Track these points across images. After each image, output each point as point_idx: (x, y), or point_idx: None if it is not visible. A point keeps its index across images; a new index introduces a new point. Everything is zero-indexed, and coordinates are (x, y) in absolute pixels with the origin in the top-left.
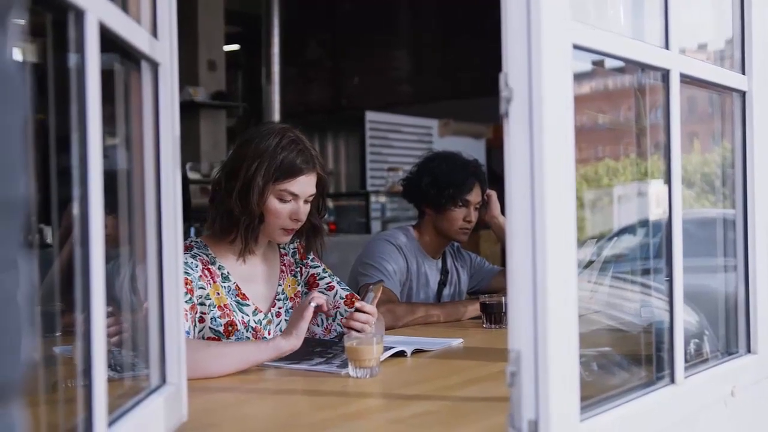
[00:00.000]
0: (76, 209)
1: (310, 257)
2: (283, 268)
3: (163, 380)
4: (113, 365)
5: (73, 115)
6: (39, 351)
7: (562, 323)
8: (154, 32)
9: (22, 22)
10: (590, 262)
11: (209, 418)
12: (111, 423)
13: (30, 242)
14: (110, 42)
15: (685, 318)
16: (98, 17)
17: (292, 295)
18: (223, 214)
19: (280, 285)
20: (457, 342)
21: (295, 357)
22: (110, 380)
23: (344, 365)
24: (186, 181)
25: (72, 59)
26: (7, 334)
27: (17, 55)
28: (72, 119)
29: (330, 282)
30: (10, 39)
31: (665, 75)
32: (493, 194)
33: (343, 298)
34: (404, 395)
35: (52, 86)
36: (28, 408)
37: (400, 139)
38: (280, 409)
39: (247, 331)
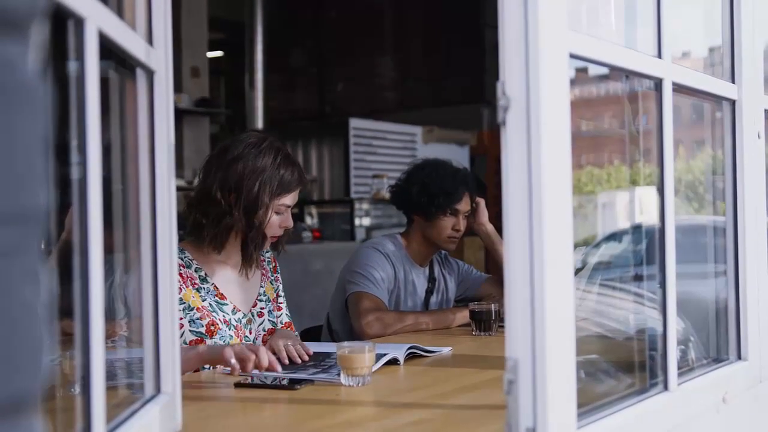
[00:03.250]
0: (75, 218)
1: (278, 271)
2: (264, 271)
3: (158, 390)
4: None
5: (73, 123)
6: None
7: (560, 331)
8: (150, 40)
9: (43, 31)
10: (577, 270)
11: (203, 427)
12: None
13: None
14: (106, 49)
15: None
16: (98, 25)
17: (273, 298)
18: (223, 229)
19: (262, 287)
20: (447, 350)
21: (290, 368)
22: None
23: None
24: None
25: (71, 66)
26: (28, 345)
27: (38, 64)
28: (71, 126)
29: (281, 303)
30: (31, 50)
31: (658, 84)
32: (482, 202)
33: (282, 324)
34: (398, 403)
35: (49, 93)
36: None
37: (384, 146)
38: (274, 419)
39: (229, 329)
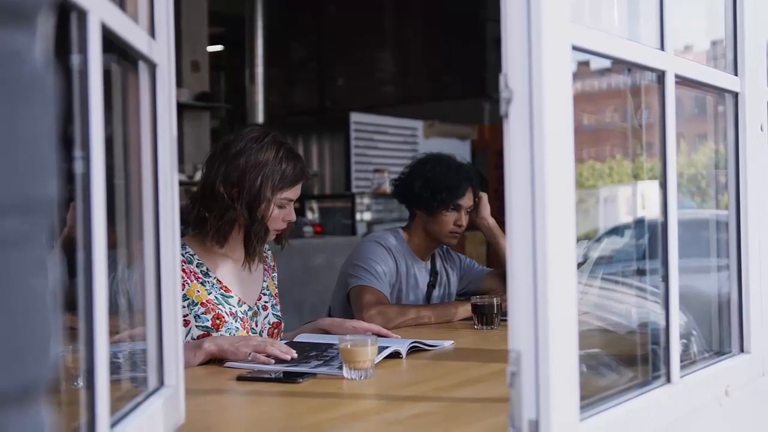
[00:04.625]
0: (78, 212)
1: (276, 270)
2: (266, 267)
3: (161, 382)
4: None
5: (76, 116)
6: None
7: (562, 323)
8: (152, 33)
9: (51, 22)
10: (579, 264)
11: (206, 420)
12: (112, 425)
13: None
14: (108, 42)
15: None
16: (101, 18)
17: (274, 293)
18: (226, 223)
19: (264, 281)
20: (449, 343)
21: (292, 361)
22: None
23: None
24: None
25: (74, 59)
26: (36, 335)
27: (46, 55)
28: (74, 120)
29: (275, 303)
30: (39, 41)
31: (660, 76)
32: (484, 196)
33: (270, 324)
34: (400, 396)
35: (57, 84)
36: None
37: (385, 141)
38: (276, 412)
39: (235, 321)
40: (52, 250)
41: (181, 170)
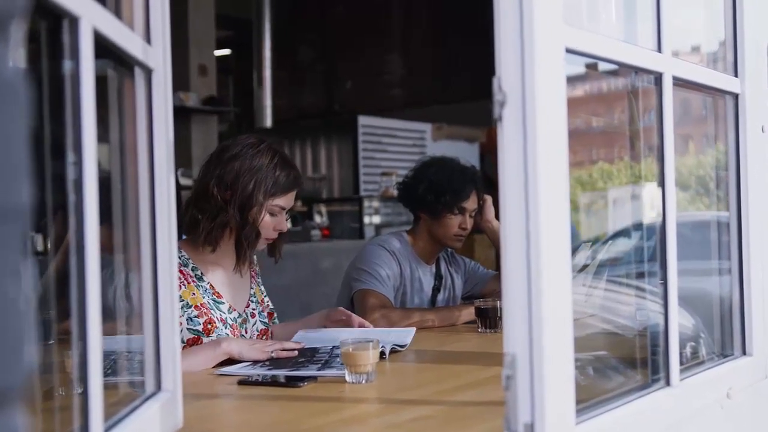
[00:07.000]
0: (71, 217)
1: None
2: (253, 274)
3: (159, 387)
4: (107, 371)
5: (68, 122)
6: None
7: (557, 326)
8: (148, 38)
9: (23, 29)
10: (585, 266)
11: (204, 425)
12: (107, 430)
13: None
14: (103, 48)
15: (680, 321)
16: (92, 24)
17: (261, 300)
18: (218, 226)
19: (251, 288)
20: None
21: (285, 366)
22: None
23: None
24: (177, 187)
25: (66, 65)
26: (10, 339)
27: (19, 62)
28: (66, 126)
29: (261, 310)
30: (12, 47)
31: (658, 78)
32: (489, 199)
33: (258, 332)
34: (401, 400)
35: (45, 93)
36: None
37: (393, 144)
38: (275, 416)
39: (225, 327)
40: (54, 257)
41: (188, 175)
